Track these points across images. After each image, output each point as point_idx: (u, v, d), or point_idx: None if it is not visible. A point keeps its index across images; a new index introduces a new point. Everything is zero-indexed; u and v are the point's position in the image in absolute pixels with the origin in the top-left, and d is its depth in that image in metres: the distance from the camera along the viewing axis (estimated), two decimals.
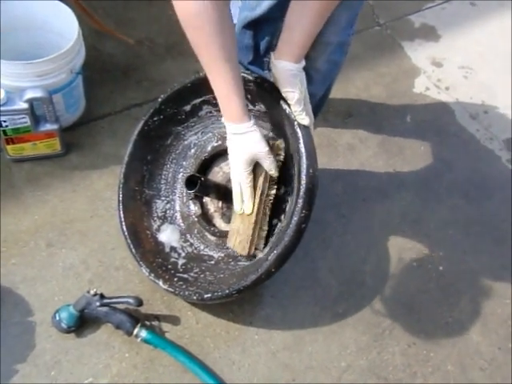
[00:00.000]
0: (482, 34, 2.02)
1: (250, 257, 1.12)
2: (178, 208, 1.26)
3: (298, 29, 0.95)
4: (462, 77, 1.87)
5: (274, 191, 1.09)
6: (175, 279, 1.13)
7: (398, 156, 1.58)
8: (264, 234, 1.11)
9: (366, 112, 1.68)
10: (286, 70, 0.98)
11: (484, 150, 1.66)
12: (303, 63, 0.99)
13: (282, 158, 1.08)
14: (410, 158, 1.58)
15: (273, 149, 1.05)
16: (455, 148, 1.64)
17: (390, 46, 1.90)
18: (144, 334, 1.09)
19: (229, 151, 1.05)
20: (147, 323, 1.14)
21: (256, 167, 1.05)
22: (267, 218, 1.11)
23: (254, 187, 1.06)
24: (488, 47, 1.98)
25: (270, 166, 1.03)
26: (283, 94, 1.01)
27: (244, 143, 1.00)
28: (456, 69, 1.89)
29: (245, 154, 1.01)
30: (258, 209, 1.07)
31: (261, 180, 1.06)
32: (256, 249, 1.11)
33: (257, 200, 1.06)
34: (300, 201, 0.96)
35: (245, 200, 1.06)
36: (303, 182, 0.97)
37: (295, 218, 0.96)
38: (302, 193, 0.97)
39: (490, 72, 1.89)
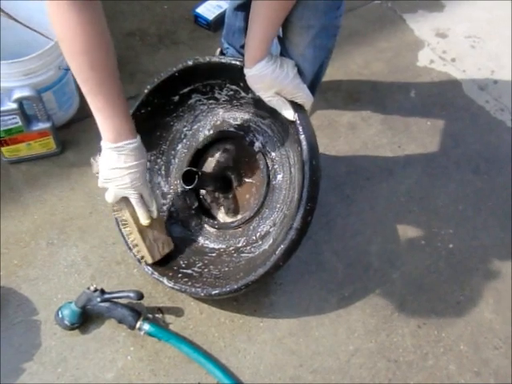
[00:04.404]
0: (488, 0, 1.93)
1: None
2: (173, 201, 1.24)
3: (254, 21, 0.93)
4: (469, 46, 1.80)
5: None
6: (179, 275, 1.11)
7: (403, 133, 1.53)
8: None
9: (368, 89, 1.63)
10: (248, 77, 0.99)
11: (494, 121, 1.60)
12: (265, 62, 0.96)
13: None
14: (416, 135, 1.53)
15: None
16: (463, 121, 1.59)
17: (391, 20, 1.84)
18: (147, 327, 1.09)
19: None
20: (150, 316, 1.13)
21: None
22: None
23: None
24: (495, 14, 1.90)
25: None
26: None
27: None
28: (462, 38, 1.82)
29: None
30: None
31: None
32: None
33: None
34: (305, 194, 0.94)
35: (139, 213, 1.05)
36: (307, 174, 0.94)
37: (301, 212, 0.94)
38: (306, 186, 0.94)
39: (499, 40, 1.82)
